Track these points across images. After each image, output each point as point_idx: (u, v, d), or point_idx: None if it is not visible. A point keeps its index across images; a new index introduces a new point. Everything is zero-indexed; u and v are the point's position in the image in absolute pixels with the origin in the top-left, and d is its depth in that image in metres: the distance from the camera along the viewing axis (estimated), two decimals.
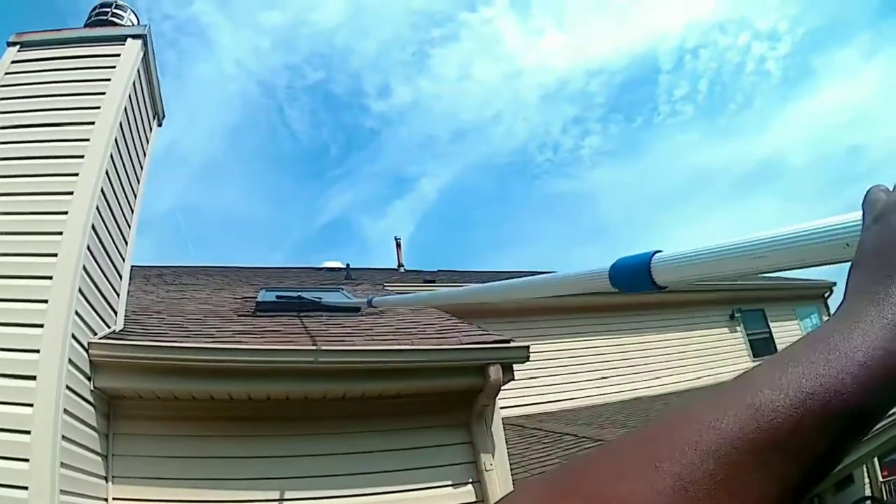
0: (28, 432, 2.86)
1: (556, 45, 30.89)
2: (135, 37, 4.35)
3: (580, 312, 9.17)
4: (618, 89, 35.26)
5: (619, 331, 9.55)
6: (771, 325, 11.09)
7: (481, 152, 36.65)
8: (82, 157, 3.68)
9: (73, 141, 3.75)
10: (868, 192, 0.43)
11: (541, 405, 8.17)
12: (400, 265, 12.33)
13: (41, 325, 3.12)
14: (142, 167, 4.76)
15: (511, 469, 4.45)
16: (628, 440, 0.30)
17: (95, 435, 3.55)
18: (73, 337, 3.29)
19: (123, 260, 4.41)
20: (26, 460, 2.80)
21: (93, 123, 3.83)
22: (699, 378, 9.52)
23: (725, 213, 42.52)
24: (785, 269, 0.70)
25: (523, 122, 36.05)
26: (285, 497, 3.88)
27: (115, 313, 4.22)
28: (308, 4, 28.04)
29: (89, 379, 3.54)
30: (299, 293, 6.12)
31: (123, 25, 4.79)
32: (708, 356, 10.04)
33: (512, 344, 4.50)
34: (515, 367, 4.45)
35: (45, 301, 3.19)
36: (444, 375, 4.34)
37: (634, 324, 9.67)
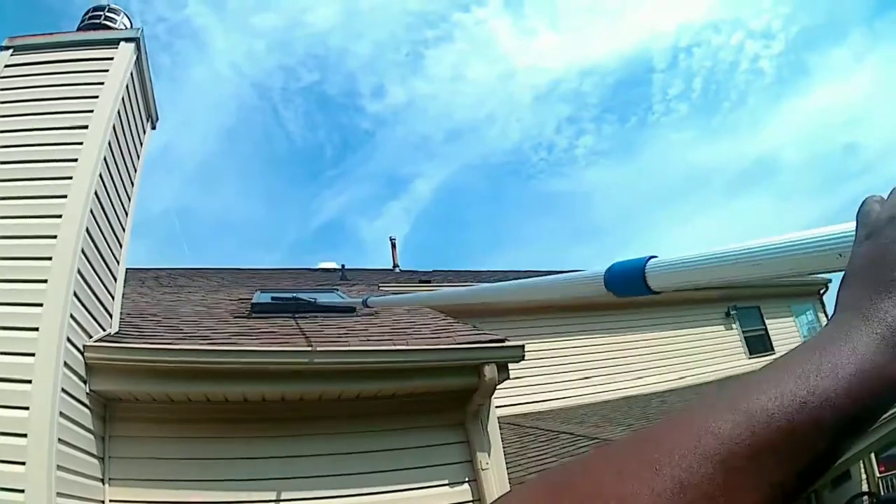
0: (24, 435, 2.86)
1: (549, 45, 30.89)
2: (128, 40, 4.35)
3: (581, 312, 9.19)
4: (612, 89, 35.31)
5: (617, 329, 9.56)
6: (767, 322, 11.13)
7: (476, 153, 36.65)
8: (76, 160, 3.69)
9: (66, 144, 3.75)
10: (863, 203, 0.44)
11: (538, 404, 8.20)
12: (395, 265, 12.35)
13: (36, 329, 3.12)
14: (136, 170, 4.77)
15: (507, 468, 4.47)
16: (627, 443, 0.31)
17: (91, 437, 3.55)
18: (69, 340, 3.29)
19: (118, 262, 4.41)
20: (22, 463, 2.81)
21: (86, 127, 3.83)
22: (698, 376, 9.55)
23: (720, 212, 42.66)
24: (778, 277, 0.72)
25: (517, 123, 36.04)
26: (282, 498, 3.89)
27: (111, 316, 4.23)
28: (302, 6, 28.01)
29: (85, 382, 3.55)
30: (295, 294, 6.13)
31: (117, 29, 4.80)
32: (705, 354, 10.08)
33: (507, 343, 4.51)
34: (511, 366, 4.47)
35: (40, 304, 3.19)
36: (440, 375, 4.35)
37: (632, 322, 9.69)
